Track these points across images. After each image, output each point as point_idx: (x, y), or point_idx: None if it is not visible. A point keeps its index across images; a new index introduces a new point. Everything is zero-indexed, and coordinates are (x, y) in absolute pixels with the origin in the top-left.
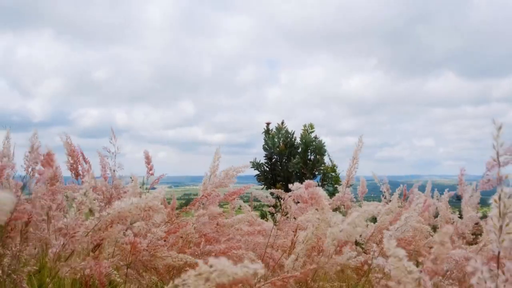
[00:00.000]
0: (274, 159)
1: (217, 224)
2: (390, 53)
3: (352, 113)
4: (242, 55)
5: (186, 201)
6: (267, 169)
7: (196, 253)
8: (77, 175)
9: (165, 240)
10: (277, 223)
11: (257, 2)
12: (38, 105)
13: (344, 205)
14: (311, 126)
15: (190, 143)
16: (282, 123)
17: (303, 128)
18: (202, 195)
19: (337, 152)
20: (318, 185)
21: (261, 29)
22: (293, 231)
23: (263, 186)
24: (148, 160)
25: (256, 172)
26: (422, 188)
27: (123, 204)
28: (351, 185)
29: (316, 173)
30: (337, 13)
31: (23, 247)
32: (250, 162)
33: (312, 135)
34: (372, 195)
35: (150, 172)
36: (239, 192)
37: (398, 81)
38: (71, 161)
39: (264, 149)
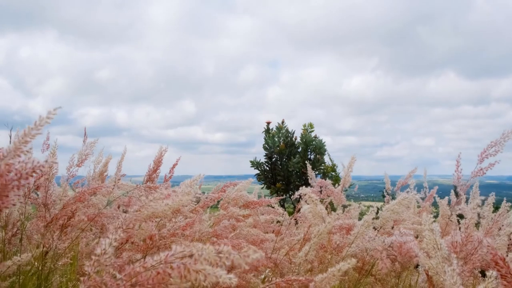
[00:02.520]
0: (274, 159)
1: (234, 230)
2: (391, 53)
3: (352, 112)
4: (244, 55)
5: None
6: (267, 168)
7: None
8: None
9: (183, 231)
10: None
11: (259, 3)
12: (40, 105)
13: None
14: (311, 125)
15: (190, 142)
16: (283, 122)
17: (303, 127)
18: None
19: (337, 152)
20: None
21: (263, 29)
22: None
23: (263, 185)
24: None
25: (256, 171)
26: (419, 187)
27: (157, 205)
28: (351, 185)
29: (316, 172)
30: (339, 13)
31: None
32: (250, 161)
33: (312, 134)
34: (372, 194)
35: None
36: (261, 203)
37: (398, 81)
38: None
39: (265, 148)
